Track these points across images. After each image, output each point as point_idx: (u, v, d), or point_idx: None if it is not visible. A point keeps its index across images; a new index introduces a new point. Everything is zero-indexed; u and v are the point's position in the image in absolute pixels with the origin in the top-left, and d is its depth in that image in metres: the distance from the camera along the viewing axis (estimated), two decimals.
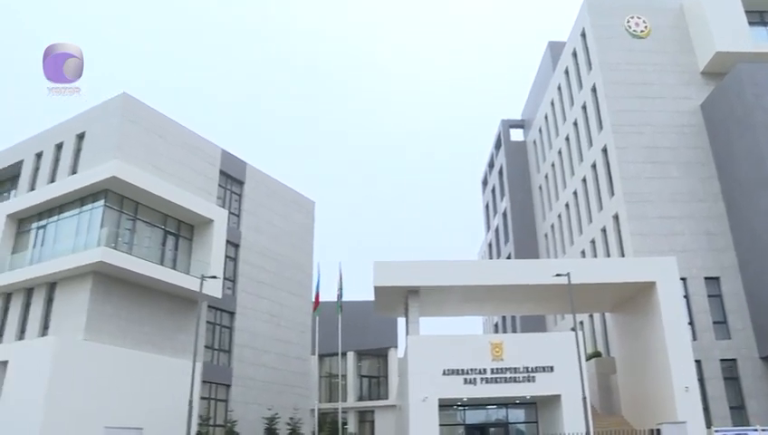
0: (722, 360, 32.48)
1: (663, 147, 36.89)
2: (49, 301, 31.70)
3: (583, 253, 41.68)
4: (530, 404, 29.22)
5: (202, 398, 33.92)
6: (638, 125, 37.39)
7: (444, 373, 26.41)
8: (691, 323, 32.57)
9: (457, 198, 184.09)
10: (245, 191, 41.43)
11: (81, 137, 34.27)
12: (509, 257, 54.55)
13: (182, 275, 32.99)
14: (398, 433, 32.91)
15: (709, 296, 33.80)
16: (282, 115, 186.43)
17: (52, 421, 25.92)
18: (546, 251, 51.17)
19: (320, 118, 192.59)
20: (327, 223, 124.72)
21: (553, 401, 26.79)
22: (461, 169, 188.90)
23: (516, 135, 59.93)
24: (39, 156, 36.29)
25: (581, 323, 40.94)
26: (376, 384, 55.02)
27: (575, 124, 43.88)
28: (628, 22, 40.16)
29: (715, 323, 33.31)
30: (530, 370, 26.61)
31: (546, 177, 51.43)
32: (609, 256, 37.36)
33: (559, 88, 47.56)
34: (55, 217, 33.34)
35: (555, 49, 50.80)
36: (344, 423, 46.79)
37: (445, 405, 27.13)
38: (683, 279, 32.23)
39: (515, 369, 26.62)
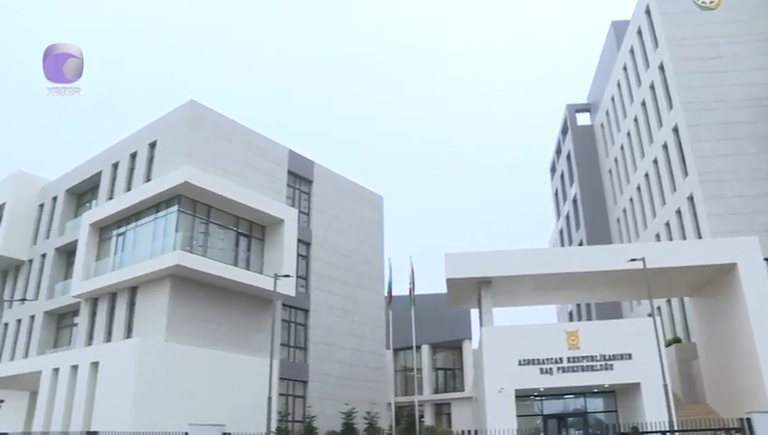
0: None
1: (738, 122, 35.42)
2: (131, 304, 33.03)
3: (658, 236, 40.53)
4: (609, 393, 28.65)
5: (280, 394, 34.65)
6: (710, 101, 36.00)
7: (519, 364, 26.16)
8: None
9: (525, 186, 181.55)
10: (314, 190, 41.99)
11: (152, 145, 35.49)
12: (581, 244, 53.58)
13: (256, 274, 33.78)
14: (475, 425, 32.79)
15: None
16: (342, 114, 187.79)
17: (141, 418, 27.01)
18: (619, 236, 50.01)
19: (380, 113, 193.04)
20: (395, 218, 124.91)
21: (633, 389, 26.18)
22: (528, 158, 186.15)
23: (583, 119, 58.84)
24: (115, 166, 37.84)
25: (659, 308, 39.81)
26: (451, 377, 54.98)
27: (643, 104, 42.65)
28: None
29: None
30: (607, 358, 26.06)
31: (615, 160, 50.24)
32: (684, 238, 36.19)
33: (624, 68, 46.32)
34: (133, 224, 34.65)
35: (619, 29, 49.47)
36: (421, 416, 46.90)
37: (521, 395, 26.90)
38: (766, 260, 30.90)
39: (592, 357, 26.12)
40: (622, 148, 48.20)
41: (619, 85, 48.11)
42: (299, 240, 38.10)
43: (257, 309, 34.88)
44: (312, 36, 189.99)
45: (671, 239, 38.21)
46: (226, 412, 29.00)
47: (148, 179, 34.65)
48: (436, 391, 54.29)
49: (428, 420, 52.04)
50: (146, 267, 31.49)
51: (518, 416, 25.70)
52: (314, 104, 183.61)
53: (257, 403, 29.03)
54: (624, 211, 48.57)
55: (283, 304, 36.85)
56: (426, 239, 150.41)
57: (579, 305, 56.09)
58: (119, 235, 35.45)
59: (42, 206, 44.32)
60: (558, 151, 64.11)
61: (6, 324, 43.14)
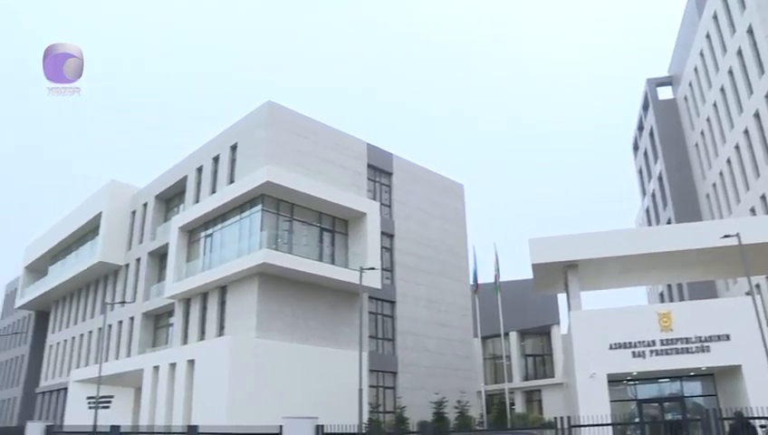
0: None
1: None
2: (222, 303, 34.18)
3: (753, 210, 38.66)
4: (707, 376, 27.56)
5: (370, 386, 35.10)
6: None
7: (610, 347, 25.57)
8: None
9: (608, 166, 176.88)
10: (394, 182, 42.19)
11: (234, 148, 36.51)
12: (669, 222, 51.72)
13: (341, 269, 34.30)
14: (567, 411, 32.26)
15: None
16: (417, 107, 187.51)
17: (236, 412, 27.95)
18: (709, 212, 48.00)
19: (452, 102, 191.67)
20: (478, 205, 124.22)
21: (734, 371, 25.11)
22: (609, 137, 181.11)
23: (664, 93, 56.56)
24: (200, 170, 39.14)
25: (758, 286, 38.00)
26: (541, 363, 54.35)
27: (730, 73, 40.68)
28: None
29: None
30: (703, 339, 25.08)
31: (702, 133, 48.17)
32: None
33: (708, 36, 44.27)
34: (219, 225, 35.78)
35: None
36: (512, 404, 46.54)
37: (614, 380, 26.28)
38: None
39: (687, 339, 25.22)
40: (708, 120, 46.17)
41: (702, 54, 46.04)
42: (382, 232, 38.39)
43: (343, 303, 35.42)
44: (389, 31, 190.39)
45: None
46: (318, 405, 29.44)
47: (231, 181, 35.69)
48: (526, 378, 53.77)
49: (519, 407, 51.63)
50: (234, 267, 32.51)
51: (611, 401, 25.15)
52: (394, 103, 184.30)
53: (348, 396, 29.55)
54: (714, 186, 46.56)
55: (370, 297, 37.26)
56: (509, 225, 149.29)
57: (669, 286, 54.23)
58: (206, 236, 36.69)
59: (134, 213, 46.52)
60: (640, 128, 62.01)
61: (110, 326, 45.52)
